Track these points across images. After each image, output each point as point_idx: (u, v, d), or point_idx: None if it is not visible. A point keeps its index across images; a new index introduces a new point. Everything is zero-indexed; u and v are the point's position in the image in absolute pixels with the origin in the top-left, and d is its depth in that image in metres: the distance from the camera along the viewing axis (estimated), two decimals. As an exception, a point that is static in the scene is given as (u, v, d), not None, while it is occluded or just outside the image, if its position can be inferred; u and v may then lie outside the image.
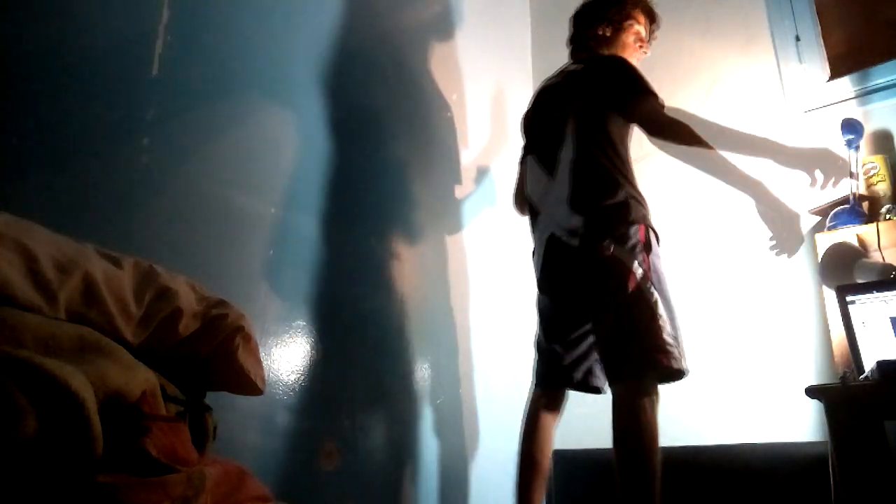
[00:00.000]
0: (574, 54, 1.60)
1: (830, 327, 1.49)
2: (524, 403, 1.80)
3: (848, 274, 1.35)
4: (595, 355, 1.38)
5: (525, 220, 1.55)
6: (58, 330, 0.60)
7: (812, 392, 1.10)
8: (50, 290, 0.60)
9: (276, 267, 1.18)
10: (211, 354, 0.69)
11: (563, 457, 1.84)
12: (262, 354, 0.81)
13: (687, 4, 2.06)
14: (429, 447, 1.53)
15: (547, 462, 1.42)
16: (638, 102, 1.37)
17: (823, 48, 1.79)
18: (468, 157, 1.90)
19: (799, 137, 1.76)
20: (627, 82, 1.39)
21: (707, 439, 1.68)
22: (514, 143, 2.21)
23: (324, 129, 1.38)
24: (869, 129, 1.62)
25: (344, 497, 1.21)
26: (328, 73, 1.41)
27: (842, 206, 1.54)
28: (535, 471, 1.39)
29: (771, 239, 1.38)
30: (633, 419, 1.18)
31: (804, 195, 1.68)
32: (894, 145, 1.60)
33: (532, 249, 1.48)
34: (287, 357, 1.17)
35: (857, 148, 1.56)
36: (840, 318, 1.25)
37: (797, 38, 1.83)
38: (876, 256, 1.39)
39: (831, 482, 1.06)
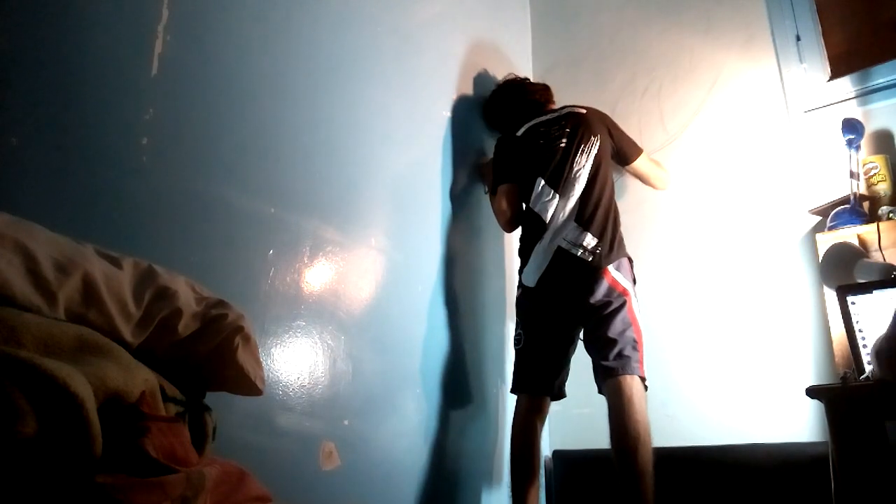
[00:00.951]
0: (547, 104, 1.88)
1: (831, 327, 1.49)
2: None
3: (848, 274, 1.35)
4: (565, 365, 1.59)
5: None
6: (57, 330, 0.59)
7: (812, 392, 1.10)
8: (49, 291, 0.60)
9: (276, 267, 1.18)
10: (210, 355, 0.69)
11: (562, 457, 1.85)
12: (261, 355, 0.81)
13: (687, 4, 2.06)
14: (429, 447, 1.53)
15: (538, 464, 1.51)
16: (641, 159, 1.77)
17: (824, 48, 1.79)
18: (468, 157, 1.90)
19: (799, 138, 1.76)
20: (631, 139, 1.78)
21: (707, 439, 1.68)
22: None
23: (323, 130, 1.38)
24: (869, 128, 1.61)
25: (344, 497, 1.21)
26: (328, 74, 1.41)
27: (842, 206, 1.54)
28: (527, 474, 1.48)
29: None
30: (634, 408, 1.39)
31: (804, 195, 1.68)
32: (895, 145, 1.60)
33: (530, 258, 1.59)
34: (287, 357, 1.17)
35: (857, 148, 1.55)
36: (841, 318, 1.24)
37: (798, 38, 1.83)
38: (876, 256, 1.39)
39: (832, 482, 1.05)
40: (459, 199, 1.83)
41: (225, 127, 1.13)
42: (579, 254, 1.51)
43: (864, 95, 1.67)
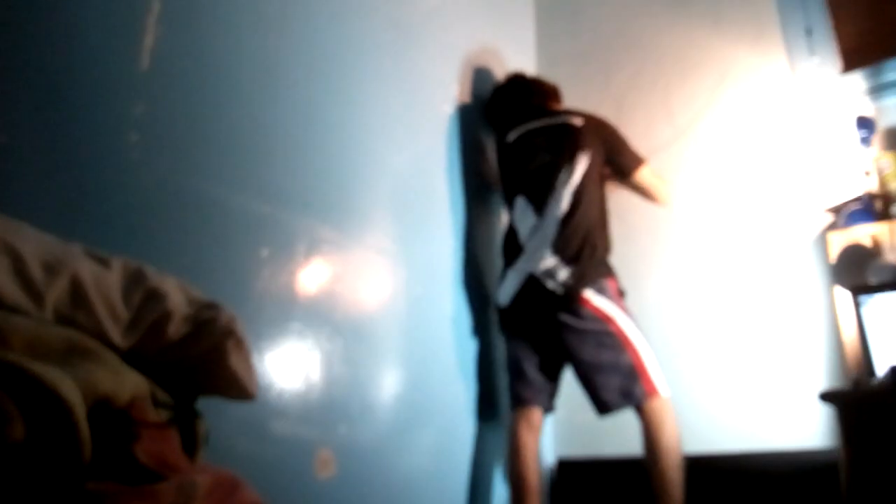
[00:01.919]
0: (549, 105, 1.76)
1: (842, 329, 1.46)
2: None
3: (861, 274, 1.32)
4: (555, 385, 1.55)
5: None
6: (45, 333, 0.58)
7: (826, 397, 1.07)
8: (37, 292, 0.59)
9: (270, 268, 1.16)
10: (202, 358, 0.68)
11: (566, 464, 1.83)
12: (254, 358, 0.79)
13: (696, -2, 2.03)
14: (427, 454, 1.51)
15: (536, 478, 1.48)
16: (641, 173, 1.62)
17: (835, 42, 1.75)
18: (471, 154, 1.88)
19: (809, 132, 1.72)
20: (632, 151, 1.63)
21: (718, 444, 1.66)
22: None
23: (319, 127, 1.35)
24: (882, 125, 1.58)
25: None
26: (325, 69, 1.39)
27: (855, 205, 1.50)
28: (525, 489, 1.46)
29: None
30: (660, 437, 1.37)
31: (817, 192, 1.65)
32: (909, 142, 1.56)
33: (504, 277, 1.58)
34: (281, 361, 1.14)
35: (870, 145, 1.52)
36: (853, 320, 1.21)
37: (808, 32, 1.79)
38: (890, 256, 1.36)
39: (842, 488, 1.03)
40: (460, 197, 1.80)
41: (218, 123, 1.11)
42: (549, 286, 1.46)
43: (876, 91, 1.64)
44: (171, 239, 0.97)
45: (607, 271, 1.50)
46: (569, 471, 1.79)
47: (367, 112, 1.49)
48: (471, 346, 1.72)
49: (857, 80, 1.67)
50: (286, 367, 1.15)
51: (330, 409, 1.22)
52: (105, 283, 0.62)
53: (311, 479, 1.13)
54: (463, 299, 1.72)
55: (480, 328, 1.76)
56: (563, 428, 1.86)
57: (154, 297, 0.64)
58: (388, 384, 1.42)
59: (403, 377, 1.48)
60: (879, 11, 1.83)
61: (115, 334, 0.62)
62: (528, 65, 2.26)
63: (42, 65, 0.85)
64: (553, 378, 1.56)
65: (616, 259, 1.70)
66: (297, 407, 1.15)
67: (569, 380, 1.59)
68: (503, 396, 1.75)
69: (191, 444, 0.68)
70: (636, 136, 1.83)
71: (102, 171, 0.90)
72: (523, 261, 1.53)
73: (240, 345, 0.69)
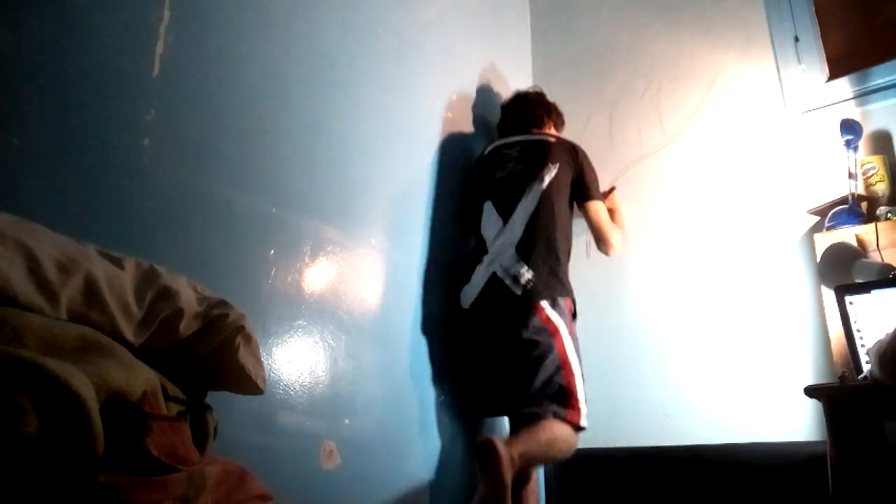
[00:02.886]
0: (525, 129, 1.79)
1: (829, 327, 1.50)
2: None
3: (846, 274, 1.35)
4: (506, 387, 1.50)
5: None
6: (59, 330, 0.60)
7: (811, 392, 1.10)
8: (51, 291, 0.61)
9: (277, 267, 1.18)
10: (211, 354, 0.69)
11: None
12: (262, 354, 0.81)
13: (686, 5, 2.07)
14: (430, 447, 1.53)
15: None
16: (595, 205, 1.66)
17: (822, 49, 1.79)
18: (467, 158, 1.90)
19: (797, 139, 1.76)
20: (595, 182, 1.69)
21: (706, 439, 1.69)
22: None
23: (324, 130, 1.38)
24: (868, 129, 1.62)
25: (344, 497, 1.21)
26: (329, 74, 1.41)
27: (840, 207, 1.54)
28: (520, 485, 1.45)
29: None
30: (544, 439, 1.33)
31: (802, 195, 1.69)
32: (893, 146, 1.60)
33: (467, 279, 1.58)
34: (288, 357, 1.17)
35: (855, 148, 1.56)
36: (839, 318, 1.25)
37: (796, 39, 1.83)
38: (875, 256, 1.39)
39: (829, 481, 1.06)
40: (460, 199, 1.83)
41: (226, 128, 1.13)
42: (510, 285, 1.47)
43: (863, 96, 1.68)
44: (181, 239, 0.99)
45: (566, 290, 1.51)
46: (562, 463, 1.81)
47: (370, 117, 1.52)
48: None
49: (844, 86, 1.72)
50: (293, 362, 1.17)
51: (335, 402, 1.24)
52: (118, 282, 0.64)
53: (316, 470, 1.15)
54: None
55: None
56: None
57: (165, 295, 0.66)
58: (391, 379, 1.44)
59: (406, 372, 1.50)
60: (866, 20, 1.88)
61: (128, 331, 0.64)
62: (523, 72, 2.30)
63: (56, 70, 0.87)
64: (503, 383, 1.51)
65: (607, 259, 1.73)
66: (303, 401, 1.17)
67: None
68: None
69: (201, 437, 0.69)
70: (628, 141, 1.87)
71: (115, 174, 0.92)
72: (487, 262, 1.55)
73: (248, 341, 0.71)
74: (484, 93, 2.01)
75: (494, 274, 1.51)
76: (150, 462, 0.58)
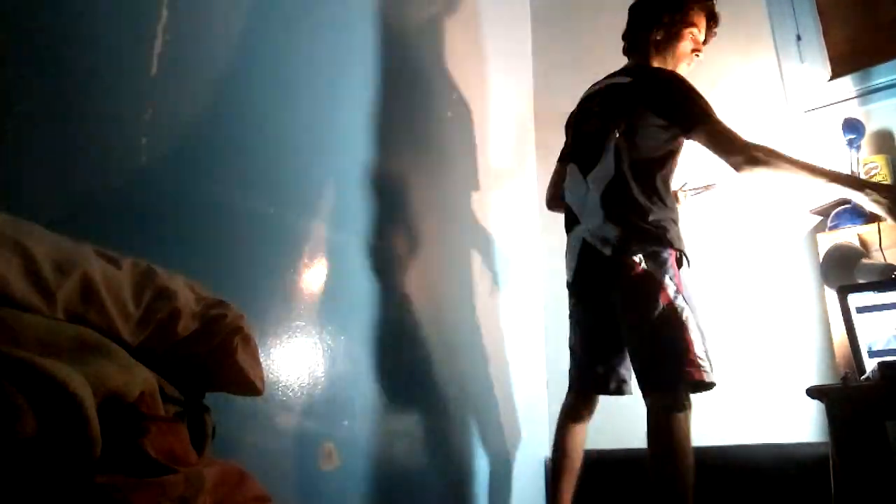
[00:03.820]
0: (626, 53, 1.61)
1: (832, 328, 1.49)
2: (526, 404, 1.78)
3: (849, 274, 1.35)
4: (628, 363, 1.39)
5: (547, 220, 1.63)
6: (56, 330, 0.60)
7: (813, 392, 1.10)
8: (48, 291, 0.60)
9: (276, 267, 1.18)
10: (210, 355, 0.69)
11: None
12: (261, 355, 0.80)
13: (688, 4, 2.06)
14: (429, 447, 1.53)
15: (578, 465, 1.44)
16: (706, 132, 1.34)
17: (825, 47, 1.78)
18: (468, 157, 1.90)
19: (800, 137, 1.75)
20: (690, 108, 1.37)
21: (709, 440, 1.68)
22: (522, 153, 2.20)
23: (324, 130, 1.37)
24: (870, 128, 1.61)
25: (343, 498, 1.21)
26: (328, 74, 1.41)
27: (843, 207, 1.53)
28: (567, 473, 1.42)
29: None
30: (668, 434, 1.23)
31: (804, 196, 1.68)
32: (895, 145, 1.60)
33: (565, 250, 1.49)
34: (286, 357, 1.17)
35: (858, 148, 1.55)
36: (841, 319, 1.24)
37: (798, 38, 1.82)
38: (877, 256, 1.39)
39: (832, 483, 1.05)
40: (462, 199, 1.82)
41: (224, 127, 1.13)
42: (600, 247, 1.35)
43: (865, 95, 1.67)
44: (179, 239, 0.99)
45: (664, 240, 1.32)
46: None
47: (370, 117, 1.51)
48: (471, 341, 1.74)
49: (847, 85, 1.71)
50: (292, 363, 1.17)
51: (333, 403, 1.24)
52: (115, 282, 0.64)
53: (315, 471, 1.15)
54: (463, 295, 1.74)
55: (480, 322, 1.78)
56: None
57: (163, 295, 0.66)
58: (389, 379, 1.44)
59: (404, 372, 1.50)
60: (868, 18, 1.87)
61: (126, 331, 0.64)
62: (524, 72, 2.29)
63: (54, 70, 0.87)
64: (615, 362, 1.42)
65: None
66: (301, 402, 1.17)
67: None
68: (502, 390, 1.77)
69: (199, 438, 0.69)
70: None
71: (113, 174, 0.91)
72: (579, 230, 1.44)
73: (247, 342, 0.71)
74: (485, 91, 2.01)
75: (584, 240, 1.40)
76: (148, 463, 0.58)
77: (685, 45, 1.56)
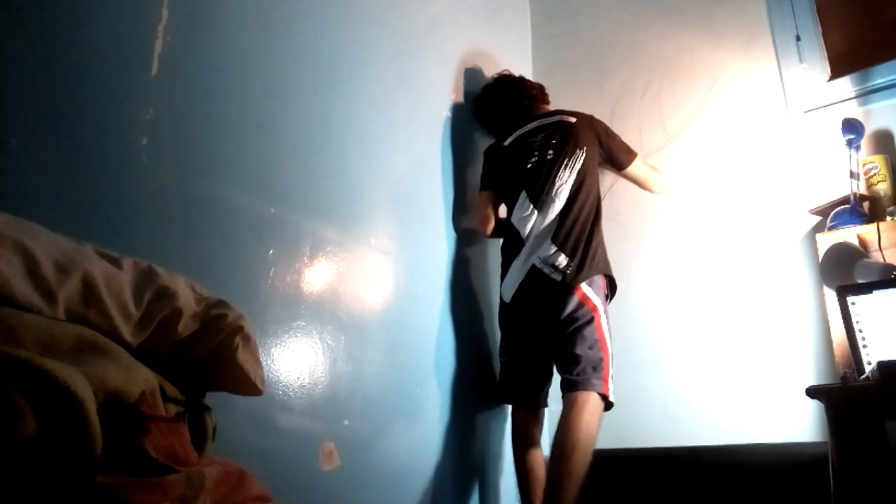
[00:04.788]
0: (538, 107, 1.85)
1: (831, 327, 1.49)
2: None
3: (848, 274, 1.35)
4: (550, 376, 1.60)
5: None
6: (57, 330, 0.60)
7: (812, 392, 1.10)
8: (49, 291, 0.60)
9: (276, 267, 1.18)
10: (210, 355, 0.69)
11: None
12: (261, 355, 0.81)
13: (687, 4, 2.06)
14: (430, 447, 1.53)
15: (542, 469, 1.52)
16: (636, 164, 1.74)
17: (824, 48, 1.79)
18: (468, 156, 1.90)
19: (799, 138, 1.75)
20: (624, 145, 1.74)
21: (707, 440, 1.68)
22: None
23: (323, 130, 1.38)
24: (869, 129, 1.61)
25: (344, 498, 1.21)
26: (328, 74, 1.41)
27: (842, 206, 1.53)
28: (530, 480, 1.52)
29: None
30: (581, 419, 1.41)
31: (804, 195, 1.68)
32: (895, 145, 1.60)
33: (507, 273, 1.62)
34: (287, 357, 1.17)
35: (857, 148, 1.55)
36: (841, 319, 1.24)
37: (798, 38, 1.82)
38: (876, 256, 1.39)
39: (831, 482, 1.05)
40: (460, 199, 1.83)
41: (225, 127, 1.13)
42: (550, 274, 1.52)
43: (864, 95, 1.67)
44: (180, 239, 0.99)
45: (601, 269, 1.56)
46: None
47: (369, 117, 1.52)
48: (470, 341, 1.75)
49: (846, 85, 1.71)
50: (292, 362, 1.17)
51: (334, 403, 1.24)
52: (116, 282, 0.64)
53: (315, 471, 1.15)
54: (460, 296, 1.74)
55: (478, 323, 1.78)
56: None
57: (164, 295, 0.66)
58: (389, 379, 1.44)
59: (404, 372, 1.50)
60: (867, 18, 1.87)
61: (126, 331, 0.64)
62: (524, 71, 2.29)
63: (54, 69, 0.87)
64: (546, 378, 1.61)
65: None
66: (302, 401, 1.17)
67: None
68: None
69: (199, 438, 0.69)
70: (629, 140, 1.86)
71: (113, 174, 0.92)
72: (525, 253, 1.58)
73: (247, 341, 0.71)
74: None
75: (533, 266, 1.55)
76: (149, 463, 0.57)
77: None
